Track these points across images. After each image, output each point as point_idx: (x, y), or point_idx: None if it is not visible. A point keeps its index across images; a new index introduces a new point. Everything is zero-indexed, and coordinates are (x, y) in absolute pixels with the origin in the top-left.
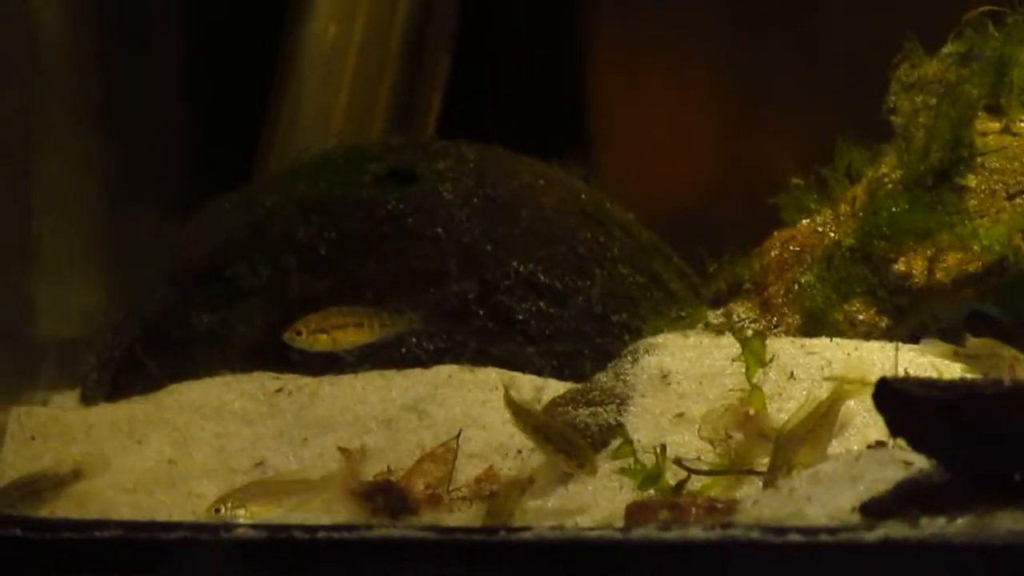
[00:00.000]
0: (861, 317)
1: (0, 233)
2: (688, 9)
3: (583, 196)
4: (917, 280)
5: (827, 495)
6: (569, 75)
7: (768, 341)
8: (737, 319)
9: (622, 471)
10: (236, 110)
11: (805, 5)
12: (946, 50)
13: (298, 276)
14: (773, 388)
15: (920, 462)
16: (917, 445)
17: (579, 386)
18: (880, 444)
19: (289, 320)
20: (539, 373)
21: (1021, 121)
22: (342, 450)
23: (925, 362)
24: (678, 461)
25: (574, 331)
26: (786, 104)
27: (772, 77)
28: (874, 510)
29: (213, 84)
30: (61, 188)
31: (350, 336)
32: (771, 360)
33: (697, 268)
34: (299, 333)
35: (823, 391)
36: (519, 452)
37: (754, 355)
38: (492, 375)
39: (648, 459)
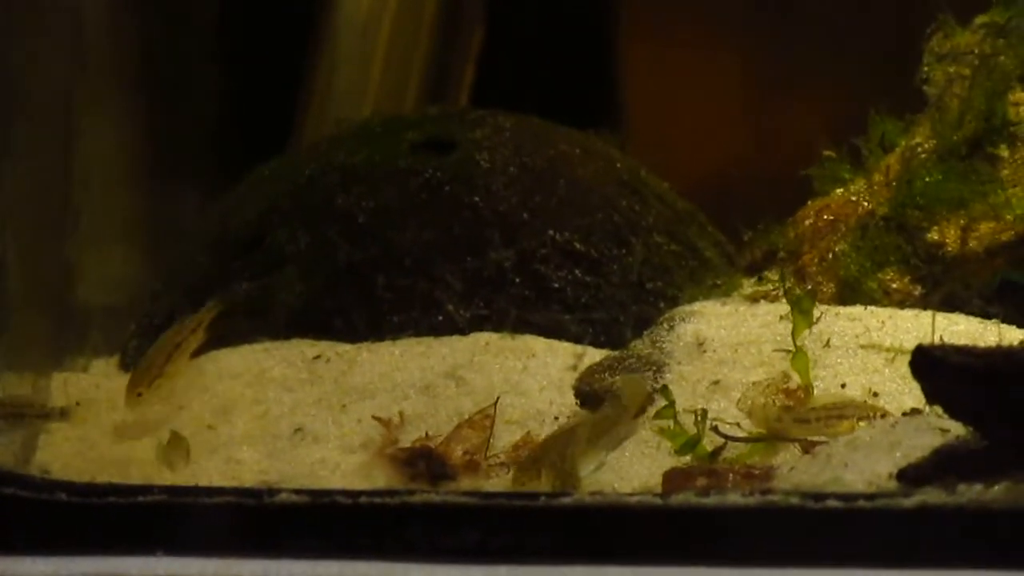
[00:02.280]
0: (895, 285)
1: (42, 202)
2: None
3: (619, 165)
4: (950, 249)
5: (865, 462)
6: (602, 45)
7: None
8: (772, 287)
9: (661, 431)
10: (273, 80)
11: None
12: (979, 20)
13: (337, 244)
14: (809, 356)
15: (956, 429)
16: (953, 412)
17: (616, 353)
18: (916, 411)
19: (329, 288)
20: (576, 341)
21: None
22: (377, 419)
23: (960, 330)
24: (715, 428)
25: (611, 299)
26: (819, 74)
27: (806, 46)
28: (911, 476)
29: (251, 55)
30: (102, 157)
31: None
32: (817, 321)
33: (732, 237)
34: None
35: (857, 359)
36: (556, 419)
37: (803, 314)
38: (530, 343)
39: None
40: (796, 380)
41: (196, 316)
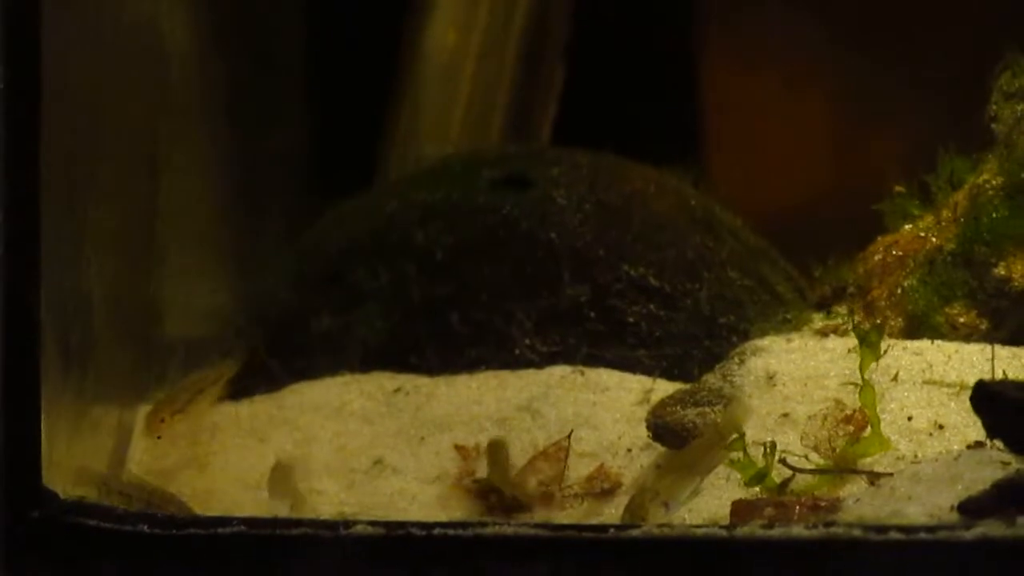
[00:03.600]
0: (962, 320)
1: (127, 236)
2: (799, 16)
3: (693, 202)
4: (1017, 284)
5: (927, 494)
6: (681, 82)
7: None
8: (842, 322)
9: (731, 463)
10: (356, 117)
11: (913, 13)
12: None
13: (416, 281)
14: (876, 389)
15: (1018, 463)
16: (1014, 446)
17: (687, 387)
18: (979, 445)
19: (408, 323)
20: (648, 374)
21: None
22: (458, 448)
23: (1022, 365)
24: (783, 460)
25: (683, 333)
26: (892, 112)
27: (879, 85)
28: (972, 509)
29: (334, 92)
30: (186, 192)
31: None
32: (884, 353)
33: (803, 272)
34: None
35: (923, 393)
36: (628, 451)
37: (871, 348)
38: (602, 376)
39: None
40: (850, 408)
41: (219, 369)
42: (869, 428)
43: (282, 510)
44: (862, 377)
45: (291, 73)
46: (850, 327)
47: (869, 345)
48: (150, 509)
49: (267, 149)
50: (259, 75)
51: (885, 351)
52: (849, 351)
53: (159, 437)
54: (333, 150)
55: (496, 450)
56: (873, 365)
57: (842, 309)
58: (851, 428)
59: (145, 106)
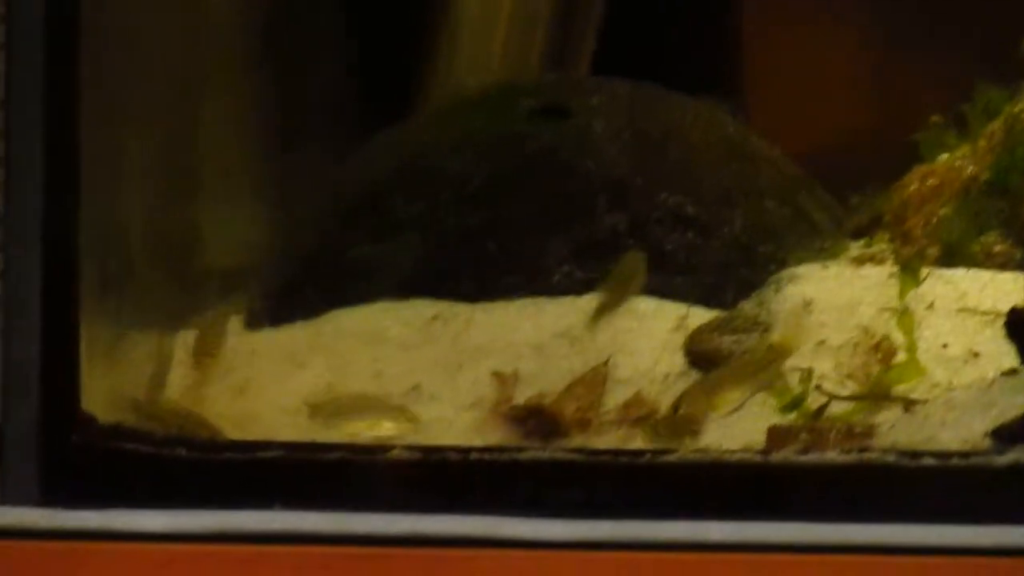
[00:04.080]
0: (997, 249)
1: (166, 163)
2: None
3: (730, 131)
4: None
5: (961, 421)
6: (719, 12)
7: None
8: (879, 250)
9: (768, 389)
10: (395, 47)
11: None
12: None
13: (454, 209)
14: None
15: None
16: None
17: (724, 314)
18: (1013, 372)
19: (444, 251)
20: (685, 301)
21: None
22: (496, 375)
23: None
24: (818, 387)
25: (720, 261)
26: (930, 41)
27: (917, 13)
28: (1005, 435)
29: (373, 22)
30: (225, 122)
31: None
32: (924, 280)
33: (840, 202)
34: None
35: (958, 321)
36: (665, 377)
37: (911, 274)
38: (639, 304)
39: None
40: (878, 335)
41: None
42: (902, 355)
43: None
44: (901, 303)
45: (331, 2)
46: (888, 255)
47: (910, 271)
48: (183, 434)
49: (306, 78)
50: (298, 3)
51: (924, 278)
52: (889, 277)
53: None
54: (372, 80)
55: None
56: (912, 292)
57: (883, 237)
58: (880, 356)
59: (184, 35)
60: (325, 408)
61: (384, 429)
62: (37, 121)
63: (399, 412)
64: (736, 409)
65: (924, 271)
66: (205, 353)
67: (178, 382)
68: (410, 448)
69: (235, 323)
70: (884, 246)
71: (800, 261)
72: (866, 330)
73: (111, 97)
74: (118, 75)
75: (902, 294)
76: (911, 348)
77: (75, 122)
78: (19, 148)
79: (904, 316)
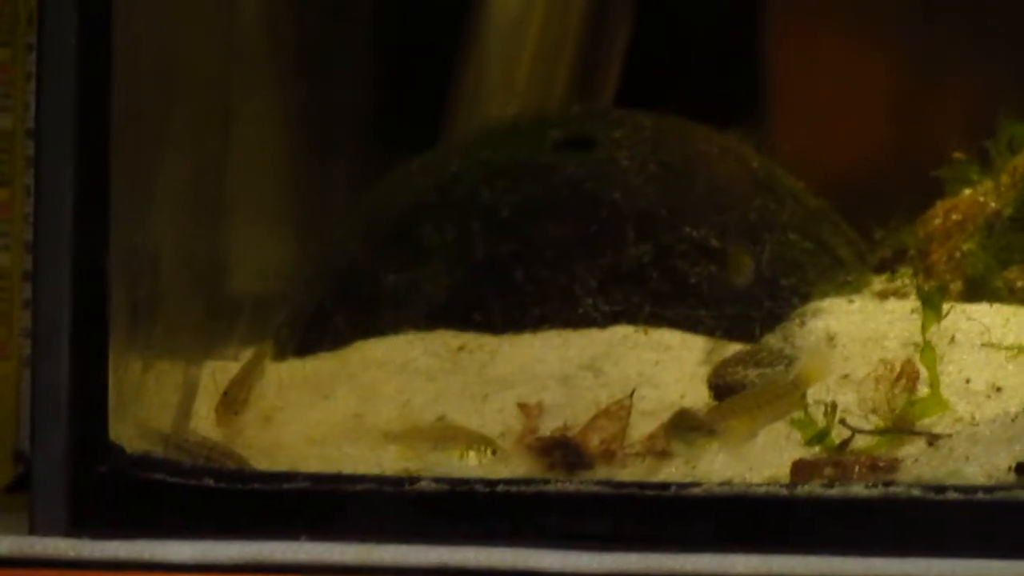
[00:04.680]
0: (1020, 283)
1: (197, 189)
2: None
3: (754, 164)
4: None
5: (984, 455)
6: (746, 45)
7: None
8: (903, 284)
9: (792, 422)
10: (424, 74)
11: None
12: None
13: (481, 239)
14: (936, 351)
15: None
16: None
17: (749, 347)
18: None
19: (472, 280)
20: (710, 334)
21: None
22: (521, 406)
23: None
24: (843, 421)
25: (744, 295)
26: (955, 75)
27: (942, 47)
28: None
29: (403, 50)
30: (254, 147)
31: None
32: (947, 314)
33: (863, 235)
34: None
35: (981, 355)
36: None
37: (933, 308)
38: (664, 336)
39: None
40: (898, 366)
41: (258, 353)
42: (927, 387)
43: None
44: (924, 338)
45: (360, 28)
46: (911, 289)
47: (932, 306)
48: (210, 464)
49: (335, 104)
50: (329, 30)
51: (947, 313)
52: (911, 312)
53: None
54: (401, 107)
55: None
56: (935, 327)
57: (906, 271)
58: (904, 382)
59: (215, 59)
60: (405, 437)
61: (471, 459)
62: (67, 149)
63: (483, 441)
64: (751, 438)
65: (947, 305)
66: (231, 410)
67: (204, 413)
68: (437, 480)
69: None
70: (908, 280)
71: (824, 295)
72: (889, 364)
73: (141, 124)
74: (148, 102)
75: (925, 328)
76: (934, 382)
77: (105, 150)
78: (49, 176)
79: (927, 350)
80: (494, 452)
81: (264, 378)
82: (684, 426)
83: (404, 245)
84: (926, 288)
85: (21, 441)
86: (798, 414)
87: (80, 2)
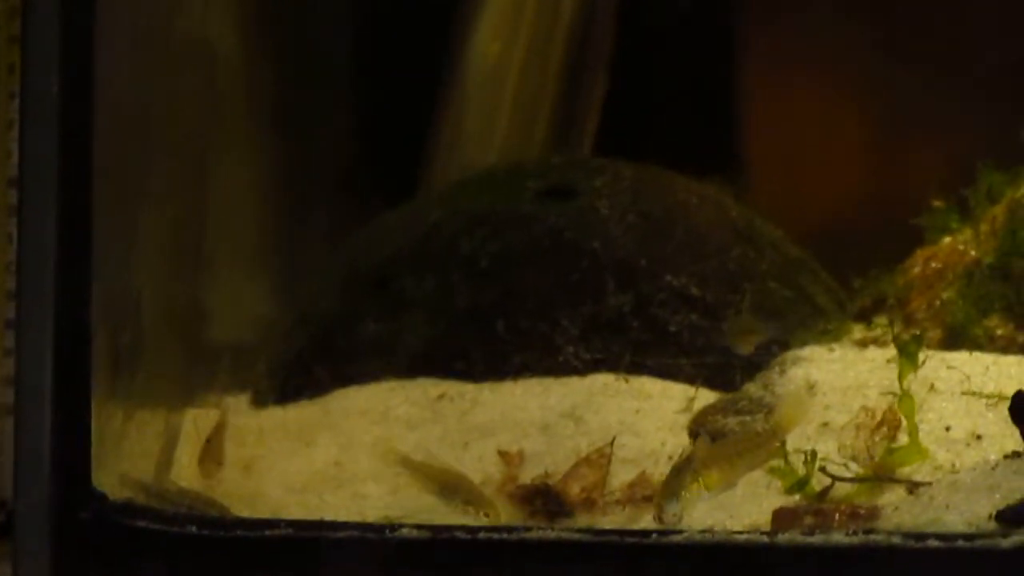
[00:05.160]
0: (999, 332)
1: (176, 239)
2: (839, 29)
3: (734, 213)
4: None
5: (965, 503)
6: (725, 95)
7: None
8: (881, 332)
9: (772, 471)
10: (402, 125)
11: (953, 25)
12: None
13: (461, 288)
14: (915, 399)
15: None
16: None
17: (729, 395)
18: (1016, 455)
19: (453, 330)
20: (690, 383)
21: None
22: (502, 454)
23: None
24: (823, 468)
25: (724, 343)
26: (932, 125)
27: (919, 97)
28: (1009, 517)
29: (380, 99)
30: (234, 195)
31: None
32: (923, 364)
33: (843, 284)
34: None
35: (961, 403)
36: (670, 458)
37: (909, 358)
38: (645, 384)
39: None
40: (879, 414)
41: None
42: (906, 435)
43: None
44: (901, 387)
45: (338, 80)
46: (890, 338)
47: (908, 355)
48: (192, 511)
49: (314, 155)
50: (306, 81)
51: (924, 362)
52: (888, 361)
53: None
54: (379, 157)
55: None
56: (912, 376)
57: (882, 320)
58: (885, 429)
59: (194, 111)
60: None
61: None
62: (50, 198)
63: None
64: (731, 487)
65: (923, 355)
66: (214, 461)
67: (185, 461)
68: (418, 527)
69: (242, 401)
70: (886, 329)
71: (803, 343)
72: (869, 411)
73: (123, 173)
74: (130, 150)
75: (902, 377)
76: (913, 431)
77: (88, 199)
78: (31, 225)
79: (905, 399)
80: (487, 516)
81: (244, 427)
82: (674, 486)
83: (384, 294)
84: (902, 337)
85: (4, 489)
86: (778, 462)
87: (62, 51)
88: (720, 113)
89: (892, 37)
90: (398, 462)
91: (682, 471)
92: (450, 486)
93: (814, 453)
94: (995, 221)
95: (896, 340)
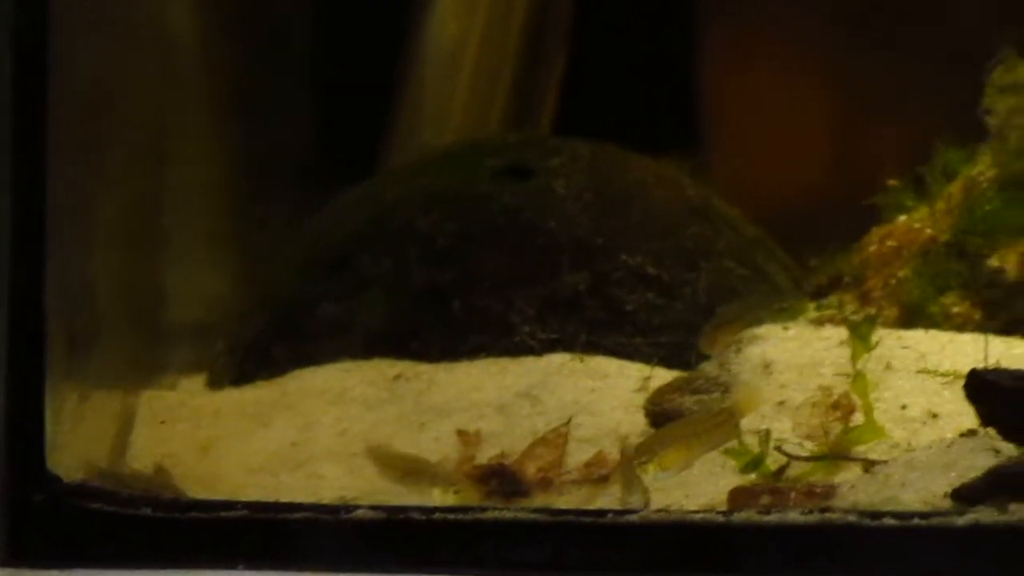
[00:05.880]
0: (956, 310)
1: (134, 222)
2: (798, 8)
3: (690, 192)
4: (1010, 274)
5: (921, 481)
6: (681, 72)
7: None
8: (837, 311)
9: (727, 452)
10: (360, 106)
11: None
12: None
13: (418, 268)
14: (871, 378)
15: (1010, 450)
16: (1007, 434)
17: (685, 375)
18: (972, 433)
19: (410, 309)
20: (647, 362)
21: None
22: (460, 434)
23: (1016, 354)
24: (779, 447)
25: (681, 322)
26: (889, 103)
27: (878, 76)
28: (965, 496)
29: (338, 80)
30: (192, 177)
31: None
32: (876, 345)
33: (799, 262)
34: None
35: (917, 381)
36: (627, 438)
37: (861, 339)
38: (601, 364)
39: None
40: (838, 394)
41: None
42: (862, 415)
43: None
44: (854, 368)
45: (296, 62)
46: (845, 316)
47: (860, 337)
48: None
49: (272, 137)
50: (264, 64)
51: (876, 343)
52: (843, 341)
53: (162, 422)
54: (337, 138)
55: None
56: (865, 357)
57: (832, 301)
58: (839, 414)
59: (152, 95)
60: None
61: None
62: (3, 181)
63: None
64: (688, 467)
65: (877, 335)
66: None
67: (141, 443)
68: (374, 508)
69: (198, 382)
70: (835, 309)
71: (760, 322)
72: (825, 390)
73: (79, 157)
74: (87, 134)
75: (855, 358)
76: (868, 410)
77: (42, 183)
78: None
79: (858, 379)
80: (457, 492)
81: (200, 408)
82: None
83: (341, 275)
84: (853, 319)
85: None
86: (733, 443)
87: (15, 35)
88: (678, 91)
89: (850, 17)
90: (367, 455)
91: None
92: (414, 470)
93: (768, 432)
94: (951, 199)
95: (848, 322)
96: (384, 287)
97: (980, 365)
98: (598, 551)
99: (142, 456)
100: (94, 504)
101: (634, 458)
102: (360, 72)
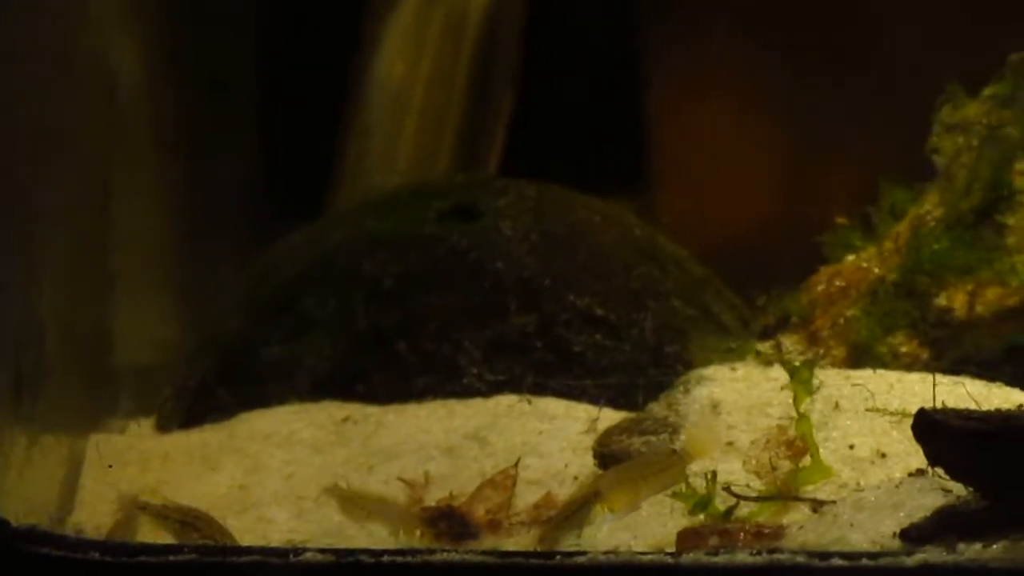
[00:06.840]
0: (904, 349)
1: (79, 264)
2: (746, 48)
3: (637, 232)
4: (958, 314)
5: (869, 521)
6: (628, 112)
7: (815, 371)
8: (785, 351)
9: (674, 495)
10: (307, 147)
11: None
12: (987, 92)
13: (365, 310)
14: (819, 418)
15: (958, 490)
16: (955, 474)
17: (633, 416)
18: (920, 472)
19: (356, 352)
20: (595, 403)
21: None
22: (403, 480)
23: (963, 393)
24: (727, 488)
25: (628, 363)
26: (838, 143)
27: (825, 116)
28: (914, 536)
29: (285, 121)
30: (137, 221)
31: None
32: (817, 390)
33: (747, 302)
34: None
35: (866, 421)
36: (575, 478)
37: (802, 383)
38: (549, 405)
39: (699, 485)
40: (792, 432)
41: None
42: (810, 456)
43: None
44: (797, 410)
45: (242, 102)
46: (792, 358)
47: (800, 382)
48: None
49: (218, 178)
50: (210, 104)
51: (819, 386)
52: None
53: (110, 466)
54: (283, 179)
55: None
56: (807, 400)
57: (786, 339)
58: (790, 453)
59: (96, 135)
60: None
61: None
62: None
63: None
64: (635, 509)
65: (818, 379)
66: None
67: (89, 486)
68: (323, 551)
69: (147, 425)
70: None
71: (708, 362)
72: (774, 430)
73: (23, 197)
74: (30, 175)
75: (797, 402)
76: (814, 450)
77: None
78: None
79: (802, 420)
80: (423, 536)
81: (149, 452)
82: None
83: (286, 317)
84: (794, 363)
85: None
86: (680, 487)
87: None
88: (625, 132)
89: (797, 57)
90: (328, 494)
91: (583, 504)
92: (379, 512)
93: (714, 473)
94: (899, 238)
95: (787, 365)
96: (329, 329)
97: (928, 405)
98: None
99: (90, 500)
100: (42, 548)
101: (591, 500)
102: (306, 113)
